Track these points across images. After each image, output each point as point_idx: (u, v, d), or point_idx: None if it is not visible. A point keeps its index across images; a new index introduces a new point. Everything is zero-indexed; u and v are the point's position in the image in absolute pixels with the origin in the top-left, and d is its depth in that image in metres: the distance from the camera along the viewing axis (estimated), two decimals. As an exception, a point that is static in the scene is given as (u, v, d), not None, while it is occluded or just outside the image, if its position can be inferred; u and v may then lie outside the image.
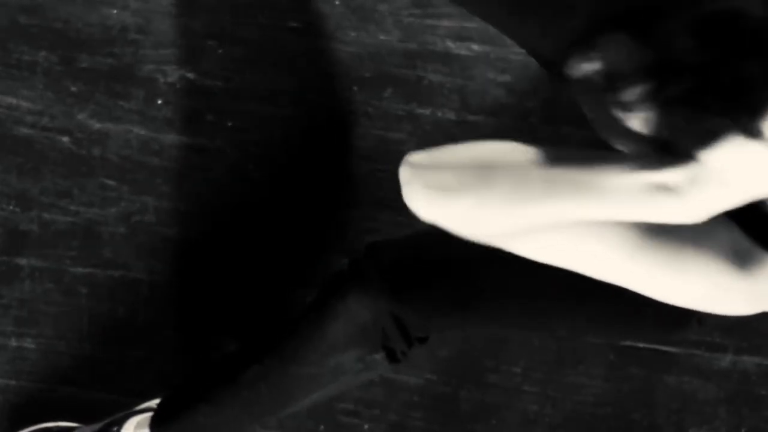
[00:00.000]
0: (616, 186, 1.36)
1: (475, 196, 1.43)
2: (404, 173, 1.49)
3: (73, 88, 2.17)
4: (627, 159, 1.37)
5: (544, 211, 1.40)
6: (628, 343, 2.13)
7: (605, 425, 2.13)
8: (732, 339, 2.14)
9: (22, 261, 2.13)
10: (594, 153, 1.40)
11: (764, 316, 2.13)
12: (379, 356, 1.76)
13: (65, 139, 2.16)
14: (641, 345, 2.13)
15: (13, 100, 2.16)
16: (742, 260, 1.49)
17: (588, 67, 1.32)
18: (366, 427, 2.12)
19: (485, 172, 1.44)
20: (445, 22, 2.20)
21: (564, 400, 2.14)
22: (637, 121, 1.32)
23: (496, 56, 2.19)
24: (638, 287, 1.51)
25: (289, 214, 2.15)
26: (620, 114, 1.33)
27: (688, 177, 1.32)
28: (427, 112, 2.18)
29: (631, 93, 1.28)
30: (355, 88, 2.19)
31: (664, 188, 1.33)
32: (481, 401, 2.13)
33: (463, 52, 2.20)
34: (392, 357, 1.76)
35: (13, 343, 2.11)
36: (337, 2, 2.20)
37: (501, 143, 1.47)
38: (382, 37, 2.20)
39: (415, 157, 1.49)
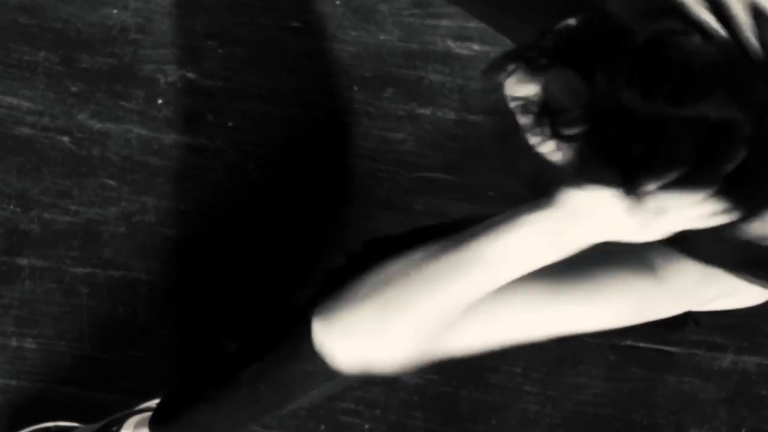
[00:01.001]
0: (493, 254, 1.42)
1: (376, 322, 1.48)
2: (317, 335, 1.53)
3: (74, 88, 2.17)
4: (491, 226, 1.42)
5: (439, 303, 1.45)
6: (628, 343, 2.13)
7: (605, 425, 2.13)
8: (732, 339, 2.14)
9: (23, 261, 2.13)
10: (463, 235, 1.45)
11: (764, 315, 2.13)
12: None
13: (65, 139, 2.16)
14: (641, 345, 2.13)
15: (13, 100, 2.16)
16: (652, 265, 1.51)
17: (525, 90, 1.34)
18: (366, 426, 2.12)
19: (376, 295, 1.48)
20: (446, 22, 2.20)
21: (564, 400, 2.14)
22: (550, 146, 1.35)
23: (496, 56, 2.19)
24: (573, 328, 1.54)
25: (289, 214, 2.15)
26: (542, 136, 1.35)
27: (553, 215, 1.37)
28: (427, 112, 2.19)
29: (564, 126, 1.30)
30: (355, 88, 2.19)
31: (543, 231, 1.39)
32: (481, 401, 2.13)
33: (464, 51, 2.20)
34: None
35: (14, 343, 2.11)
36: (337, 2, 2.20)
37: (381, 264, 1.51)
38: (382, 37, 2.20)
39: (320, 320, 1.53)
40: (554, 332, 1.56)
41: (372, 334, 1.49)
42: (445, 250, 1.46)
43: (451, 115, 2.18)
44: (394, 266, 1.50)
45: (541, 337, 1.56)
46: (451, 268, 1.44)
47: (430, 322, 1.48)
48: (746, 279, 1.48)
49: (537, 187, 1.40)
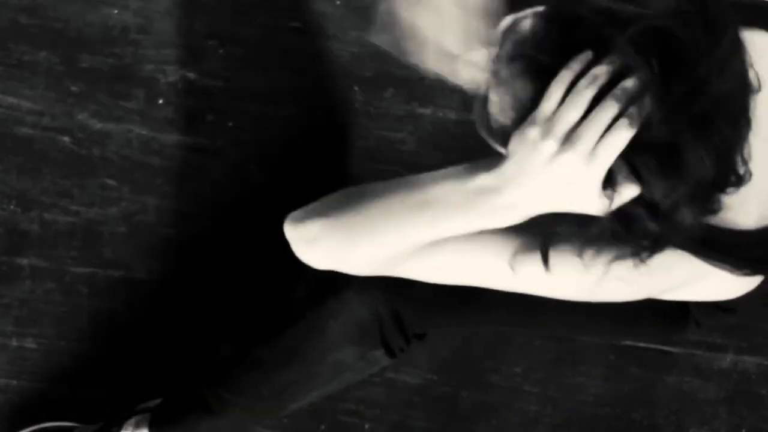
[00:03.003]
0: (445, 196, 1.44)
1: (334, 240, 1.54)
2: (286, 231, 1.60)
3: (74, 88, 2.17)
4: (450, 173, 1.46)
5: (395, 238, 1.49)
6: (628, 343, 2.13)
7: (605, 425, 2.13)
8: (732, 339, 2.14)
9: (23, 261, 2.13)
10: (430, 174, 1.49)
11: (764, 316, 2.13)
12: (379, 353, 1.77)
13: (66, 138, 2.16)
14: (641, 345, 2.13)
15: (13, 100, 2.16)
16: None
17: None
18: (367, 426, 2.12)
19: (340, 215, 1.53)
20: (446, 23, 2.20)
21: (564, 400, 2.14)
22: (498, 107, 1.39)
23: (496, 56, 2.19)
24: (524, 288, 1.55)
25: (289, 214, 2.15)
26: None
27: (499, 179, 1.38)
28: (428, 111, 2.19)
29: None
30: (355, 88, 2.19)
31: (478, 191, 1.40)
32: (481, 401, 2.13)
33: (464, 52, 2.20)
34: (390, 353, 1.77)
35: (14, 342, 2.11)
36: (337, 2, 2.20)
37: (360, 186, 1.57)
38: (382, 37, 2.20)
39: (293, 215, 1.60)
40: (505, 285, 1.58)
41: (335, 252, 1.55)
42: (404, 189, 1.49)
43: (452, 115, 2.18)
44: (361, 193, 1.54)
45: (493, 284, 1.58)
46: (412, 208, 1.46)
47: (385, 255, 1.52)
48: (709, 263, 1.48)
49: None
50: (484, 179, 1.39)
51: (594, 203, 1.34)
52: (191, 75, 2.18)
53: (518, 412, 2.13)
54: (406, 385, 2.12)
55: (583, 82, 1.30)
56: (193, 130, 2.17)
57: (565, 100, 1.31)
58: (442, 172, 1.47)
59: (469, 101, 2.18)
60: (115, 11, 2.18)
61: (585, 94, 1.30)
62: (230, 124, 2.17)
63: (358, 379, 1.83)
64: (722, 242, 1.46)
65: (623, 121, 1.29)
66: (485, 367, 2.13)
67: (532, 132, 1.33)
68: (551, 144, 1.32)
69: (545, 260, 1.46)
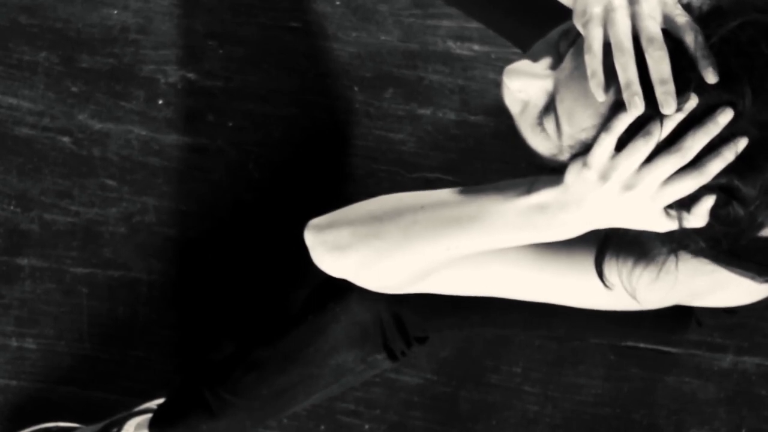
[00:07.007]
0: (495, 214, 1.41)
1: (369, 248, 1.49)
2: (307, 238, 1.55)
3: (74, 89, 2.17)
4: (504, 188, 1.42)
5: (435, 249, 1.46)
6: (628, 343, 2.13)
7: (605, 425, 2.13)
8: (732, 339, 2.14)
9: (23, 261, 2.13)
10: (477, 188, 1.46)
11: (764, 316, 2.13)
12: (381, 356, 1.77)
13: (66, 139, 2.16)
14: (641, 345, 2.13)
15: (13, 101, 2.16)
16: None
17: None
18: (366, 427, 2.12)
19: (376, 224, 1.49)
20: (446, 23, 2.20)
21: (564, 400, 2.14)
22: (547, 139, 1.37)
23: (496, 56, 2.19)
24: (556, 297, 1.54)
25: (289, 214, 2.15)
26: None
27: (561, 197, 1.36)
28: (427, 112, 2.19)
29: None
30: (355, 88, 2.19)
31: (538, 208, 1.38)
32: (481, 401, 2.13)
33: (464, 52, 2.20)
34: (392, 357, 1.77)
35: (14, 343, 2.12)
36: (337, 2, 2.20)
37: (396, 194, 1.53)
38: (382, 37, 2.20)
39: (316, 221, 1.55)
40: (533, 296, 1.56)
41: (367, 261, 1.50)
42: (449, 201, 1.46)
43: (452, 116, 2.18)
44: (401, 202, 1.50)
45: (523, 296, 1.57)
46: (460, 221, 1.43)
47: (420, 266, 1.49)
48: (735, 272, 1.48)
49: (545, 168, 1.40)
50: (544, 196, 1.37)
51: (659, 223, 1.33)
52: (191, 75, 2.18)
53: (518, 412, 2.13)
54: (406, 385, 2.12)
55: (641, 136, 1.27)
56: (193, 130, 2.17)
57: (625, 149, 1.28)
58: (488, 186, 1.45)
59: (468, 102, 2.19)
60: (115, 11, 2.18)
61: (642, 148, 1.27)
62: (230, 124, 2.17)
63: (359, 381, 1.83)
64: (745, 249, 1.44)
65: (693, 173, 1.28)
66: (485, 367, 2.13)
67: (589, 175, 1.31)
68: (612, 186, 1.31)
69: (600, 273, 1.45)
